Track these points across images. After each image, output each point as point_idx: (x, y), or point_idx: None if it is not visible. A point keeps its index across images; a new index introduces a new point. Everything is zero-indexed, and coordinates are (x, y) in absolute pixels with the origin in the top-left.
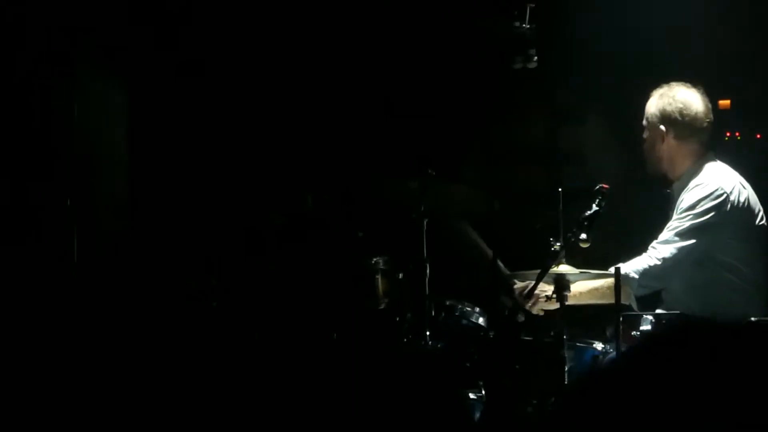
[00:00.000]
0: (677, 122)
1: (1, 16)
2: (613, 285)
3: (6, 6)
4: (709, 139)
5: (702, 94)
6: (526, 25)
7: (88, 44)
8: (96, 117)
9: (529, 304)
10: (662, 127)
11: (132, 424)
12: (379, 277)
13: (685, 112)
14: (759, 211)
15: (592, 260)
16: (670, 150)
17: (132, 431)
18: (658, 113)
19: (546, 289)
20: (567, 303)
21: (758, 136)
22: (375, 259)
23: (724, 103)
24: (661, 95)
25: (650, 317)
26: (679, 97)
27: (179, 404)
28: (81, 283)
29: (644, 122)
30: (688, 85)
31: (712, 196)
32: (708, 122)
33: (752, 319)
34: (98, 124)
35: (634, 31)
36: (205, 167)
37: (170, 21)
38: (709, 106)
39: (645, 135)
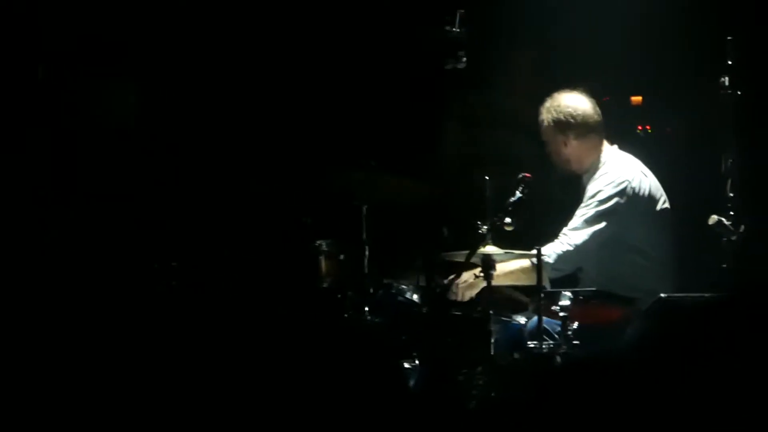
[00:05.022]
0: (572, 125)
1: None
2: (528, 268)
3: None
4: (604, 132)
5: (584, 94)
6: (457, 30)
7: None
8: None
9: (458, 296)
10: (561, 135)
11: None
12: (322, 258)
13: (575, 114)
14: (661, 195)
15: (515, 242)
16: (574, 150)
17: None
18: (552, 123)
19: (466, 277)
20: (492, 282)
21: (668, 130)
22: (319, 242)
23: (636, 99)
24: (548, 108)
25: (568, 293)
26: (565, 103)
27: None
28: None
29: (543, 135)
30: (569, 90)
31: (613, 183)
32: (599, 116)
33: (662, 295)
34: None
35: (550, 32)
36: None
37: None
38: (594, 101)
39: (547, 145)
